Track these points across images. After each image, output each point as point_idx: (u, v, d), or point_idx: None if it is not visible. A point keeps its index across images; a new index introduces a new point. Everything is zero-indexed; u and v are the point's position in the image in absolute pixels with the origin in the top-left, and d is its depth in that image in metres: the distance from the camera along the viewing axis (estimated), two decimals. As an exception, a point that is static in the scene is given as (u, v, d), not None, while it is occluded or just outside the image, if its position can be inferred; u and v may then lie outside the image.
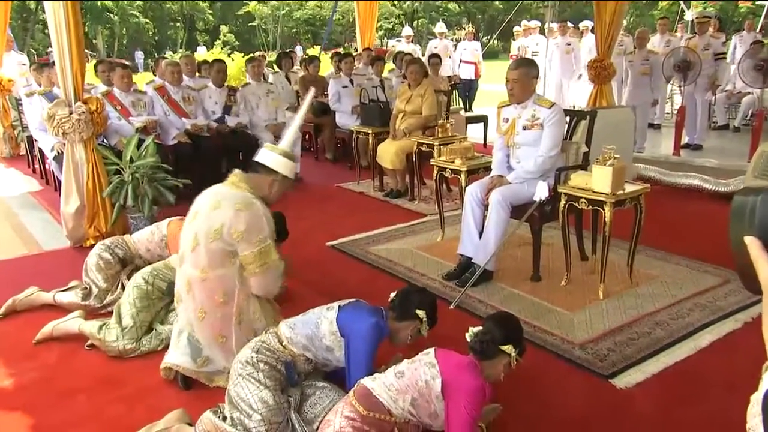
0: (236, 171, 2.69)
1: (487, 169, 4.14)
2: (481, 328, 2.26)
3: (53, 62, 4.79)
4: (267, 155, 2.69)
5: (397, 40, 18.76)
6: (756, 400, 1.43)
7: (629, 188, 3.42)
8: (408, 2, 36.64)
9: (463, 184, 4.14)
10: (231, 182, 2.65)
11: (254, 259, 2.54)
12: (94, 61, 9.14)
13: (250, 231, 2.51)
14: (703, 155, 7.04)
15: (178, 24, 37.56)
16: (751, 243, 1.43)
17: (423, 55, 10.78)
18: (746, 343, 2.98)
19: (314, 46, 23.35)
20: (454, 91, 8.13)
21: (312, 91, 3.40)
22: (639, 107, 7.46)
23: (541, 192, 3.40)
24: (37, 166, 7.21)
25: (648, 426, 2.43)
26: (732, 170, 5.76)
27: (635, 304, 3.40)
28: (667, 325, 3.16)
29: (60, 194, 4.70)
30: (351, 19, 24.20)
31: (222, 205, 2.54)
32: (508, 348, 2.19)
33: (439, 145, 4.88)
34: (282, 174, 2.67)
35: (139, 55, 28.49)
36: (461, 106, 10.08)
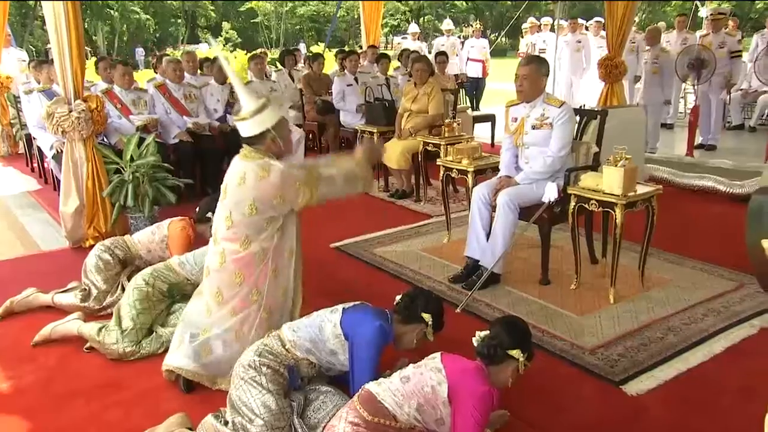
0: (244, 145, 2.69)
1: (495, 169, 4.08)
2: (488, 332, 2.22)
3: (52, 59, 4.73)
4: (246, 126, 2.65)
5: (403, 38, 18.72)
6: None
7: (641, 190, 3.35)
8: (414, -1, 36.63)
9: (470, 185, 4.08)
10: (244, 155, 2.66)
11: (310, 196, 2.60)
12: (93, 59, 9.12)
13: (286, 188, 2.56)
14: (717, 156, 6.94)
15: (180, 21, 37.59)
16: None
17: (430, 52, 10.72)
18: (762, 350, 2.93)
19: (318, 44, 23.30)
20: (461, 90, 8.05)
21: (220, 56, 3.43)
22: (650, 107, 7.38)
23: (551, 193, 3.34)
24: (35, 164, 7.18)
25: (661, 435, 2.36)
26: (747, 171, 5.66)
27: (647, 308, 3.34)
28: (679, 330, 3.10)
29: (59, 194, 4.66)
30: (356, 16, 24.16)
31: (247, 179, 2.57)
32: (515, 353, 2.15)
33: (446, 144, 4.81)
34: (271, 126, 2.63)
35: (140, 52, 28.54)
36: (468, 105, 10.01)
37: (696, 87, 7.41)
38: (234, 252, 2.60)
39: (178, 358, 2.66)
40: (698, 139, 7.57)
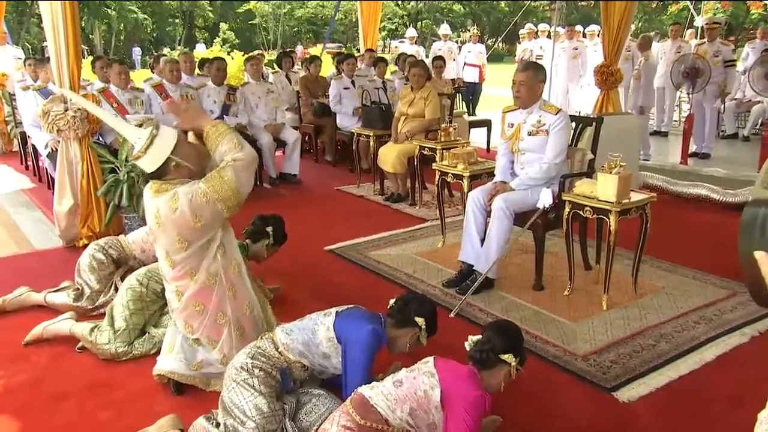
0: (150, 182, 2.55)
1: (490, 174, 4.08)
2: (480, 336, 2.22)
3: (48, 57, 4.72)
4: (145, 164, 2.49)
5: (400, 41, 18.74)
6: (764, 418, 1.37)
7: (635, 197, 3.36)
8: (412, 3, 36.66)
9: (466, 190, 4.08)
10: (154, 191, 2.51)
11: (222, 190, 2.40)
12: (90, 58, 9.10)
13: (199, 208, 2.40)
14: (710, 164, 6.99)
15: (177, 21, 37.51)
16: (762, 258, 1.37)
17: (427, 56, 10.73)
18: (753, 358, 2.95)
19: (316, 45, 23.31)
20: (457, 95, 8.07)
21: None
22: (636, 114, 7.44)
23: (545, 199, 3.35)
24: (30, 163, 7.16)
25: (652, 442, 2.37)
26: (740, 180, 5.70)
27: (639, 315, 3.35)
28: (671, 337, 3.11)
29: (53, 192, 4.65)
30: (353, 19, 24.18)
31: (161, 218, 2.45)
32: (508, 357, 2.16)
33: (442, 149, 4.82)
34: (170, 153, 2.48)
35: (137, 52, 28.43)
36: (465, 109, 10.02)
37: (691, 96, 7.45)
38: (186, 287, 2.56)
39: (170, 362, 2.64)
40: (692, 148, 7.61)
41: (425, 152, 5.16)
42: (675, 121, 9.91)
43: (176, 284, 2.58)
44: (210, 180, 2.43)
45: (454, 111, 6.94)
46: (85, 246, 3.67)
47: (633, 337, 3.11)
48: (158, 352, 2.79)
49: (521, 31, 12.52)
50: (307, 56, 9.70)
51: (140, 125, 5.34)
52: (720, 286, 3.73)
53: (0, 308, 3.39)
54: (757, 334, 3.15)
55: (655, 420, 2.48)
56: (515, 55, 13.74)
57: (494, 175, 3.94)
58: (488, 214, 3.67)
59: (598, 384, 2.70)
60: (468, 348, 2.21)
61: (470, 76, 11.05)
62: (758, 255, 1.30)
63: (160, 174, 2.51)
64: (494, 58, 18.65)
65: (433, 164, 4.49)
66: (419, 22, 35.96)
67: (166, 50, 23.91)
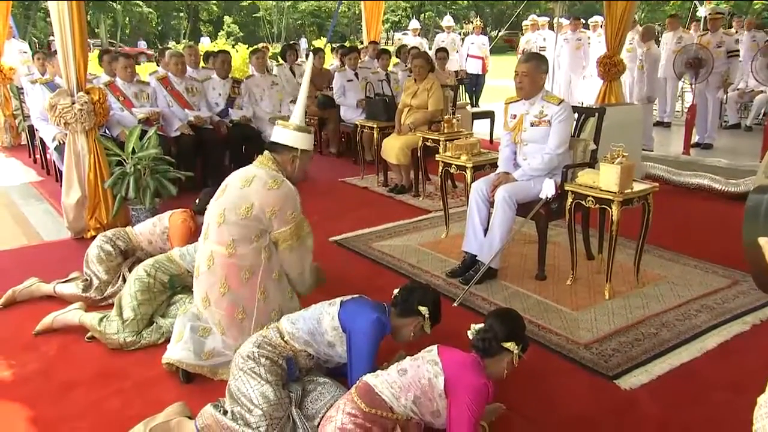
0: (265, 152, 2.73)
1: (494, 165, 4.09)
2: (483, 325, 2.24)
3: (55, 51, 4.75)
4: (282, 133, 2.72)
5: (403, 33, 18.69)
6: (763, 401, 1.39)
7: (637, 187, 3.38)
8: (415, -5, 36.51)
9: (469, 181, 4.09)
10: (260, 162, 2.69)
11: (290, 235, 2.63)
12: (96, 51, 9.11)
13: (284, 208, 2.59)
14: (713, 155, 6.98)
15: (182, 14, 37.47)
16: (766, 245, 1.39)
17: (430, 48, 10.72)
18: (754, 346, 2.96)
19: (320, 38, 23.26)
20: (460, 86, 8.07)
21: (311, 57, 3.37)
22: (640, 104, 7.42)
23: (548, 190, 3.37)
24: (38, 156, 7.21)
25: (652, 428, 2.40)
26: (743, 170, 5.70)
27: (641, 304, 3.37)
28: (673, 326, 3.13)
29: (61, 185, 4.68)
30: (357, 12, 24.09)
31: (253, 183, 2.59)
32: (510, 345, 2.18)
33: (445, 140, 4.84)
34: (300, 148, 2.71)
35: (142, 45, 28.44)
36: (467, 101, 10.02)
37: (693, 86, 7.43)
38: (221, 255, 2.60)
39: (179, 352, 2.67)
40: (695, 138, 7.60)
41: (428, 144, 5.18)
42: (677, 111, 9.88)
43: (212, 247, 2.62)
44: (305, 225, 2.70)
45: (458, 102, 6.94)
46: (93, 238, 3.71)
47: (635, 325, 3.14)
48: (166, 342, 2.84)
49: (524, 23, 12.47)
50: (312, 48, 9.69)
51: (146, 118, 5.43)
52: (721, 275, 3.75)
53: (10, 299, 3.44)
54: (758, 323, 3.17)
55: (656, 407, 2.50)
56: (515, 47, 13.69)
57: (497, 166, 3.95)
58: (491, 204, 3.69)
59: (600, 372, 2.73)
60: (471, 336, 2.24)
61: (473, 67, 11.04)
62: (762, 241, 1.31)
63: (278, 149, 2.70)
64: (497, 49, 18.56)
65: (437, 155, 4.50)
66: (422, 14, 35.83)
67: (171, 44, 23.90)
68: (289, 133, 2.71)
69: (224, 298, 2.62)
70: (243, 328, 2.63)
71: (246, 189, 2.59)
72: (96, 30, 31.67)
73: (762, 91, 8.55)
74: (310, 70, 3.01)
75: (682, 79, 8.09)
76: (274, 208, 2.56)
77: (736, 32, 9.16)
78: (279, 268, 2.70)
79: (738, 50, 8.08)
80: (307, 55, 9.12)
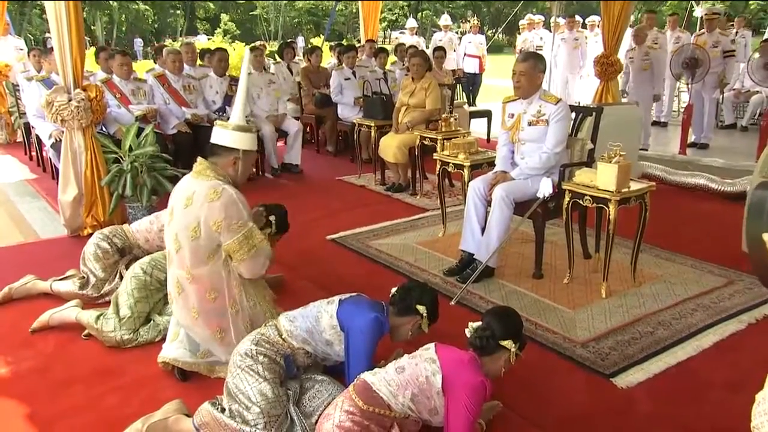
0: (199, 159, 2.62)
1: (491, 164, 4.10)
2: (480, 323, 2.25)
3: (52, 48, 4.73)
4: (220, 134, 2.61)
5: (400, 32, 18.68)
6: (761, 398, 1.41)
7: (634, 186, 3.39)
8: (412, -6, 36.49)
9: (466, 180, 4.10)
10: (197, 172, 2.58)
11: (240, 245, 2.51)
12: (93, 48, 9.09)
13: (229, 218, 2.48)
14: (709, 154, 7.01)
15: (178, 12, 37.37)
16: None
17: (427, 47, 10.71)
18: (749, 345, 2.98)
19: (318, 37, 23.25)
20: (457, 85, 8.08)
21: (247, 53, 3.25)
22: (641, 103, 7.42)
23: (545, 189, 3.38)
24: (33, 153, 7.18)
25: (649, 426, 2.41)
26: (739, 170, 5.72)
27: (638, 303, 3.38)
28: (669, 325, 3.14)
29: (57, 182, 4.67)
30: (354, 10, 24.05)
31: (194, 199, 2.50)
32: (507, 343, 2.19)
33: (443, 139, 4.84)
34: (242, 149, 2.61)
35: (138, 43, 28.36)
36: (465, 100, 10.03)
37: (690, 86, 7.45)
38: (185, 280, 2.57)
39: (175, 350, 2.67)
40: (691, 138, 7.62)
41: (426, 142, 5.18)
42: (674, 111, 9.91)
43: (177, 272, 2.60)
44: (256, 229, 2.57)
45: (455, 101, 6.95)
46: (90, 235, 3.69)
47: (632, 324, 3.15)
48: (163, 340, 2.83)
49: (521, 22, 12.49)
50: (310, 46, 9.69)
51: (143, 116, 5.41)
52: (717, 274, 3.76)
53: (6, 296, 3.43)
54: (753, 321, 3.18)
55: (653, 405, 2.52)
56: (515, 46, 13.69)
57: (495, 165, 3.96)
58: (489, 203, 3.69)
59: (597, 370, 2.73)
60: (468, 334, 2.24)
61: (470, 66, 11.04)
62: (766, 237, 1.31)
63: (218, 151, 2.59)
64: (494, 49, 18.59)
65: (434, 154, 4.51)
66: (419, 13, 35.81)
67: (167, 41, 23.83)
68: (229, 134, 2.59)
69: (199, 320, 2.60)
70: (227, 342, 2.61)
71: (189, 208, 2.49)
72: (92, 28, 31.55)
73: (758, 92, 8.58)
74: (246, 68, 2.82)
75: (679, 80, 8.10)
76: (217, 219, 2.45)
77: (737, 33, 9.18)
78: (239, 281, 2.62)
79: (734, 50, 8.10)
80: (304, 53, 9.09)
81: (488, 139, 7.93)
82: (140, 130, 4.66)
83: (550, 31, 10.80)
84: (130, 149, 4.41)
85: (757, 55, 7.22)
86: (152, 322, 3.06)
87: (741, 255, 3.86)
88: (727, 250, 4.04)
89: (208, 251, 2.52)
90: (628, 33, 7.49)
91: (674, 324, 3.15)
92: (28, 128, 6.99)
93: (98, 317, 3.00)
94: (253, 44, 9.14)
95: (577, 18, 10.78)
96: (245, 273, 2.60)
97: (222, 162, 2.61)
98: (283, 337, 2.40)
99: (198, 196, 2.49)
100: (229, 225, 2.48)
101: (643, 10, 9.62)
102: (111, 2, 31.99)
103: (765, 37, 9.36)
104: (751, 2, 21.87)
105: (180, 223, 2.53)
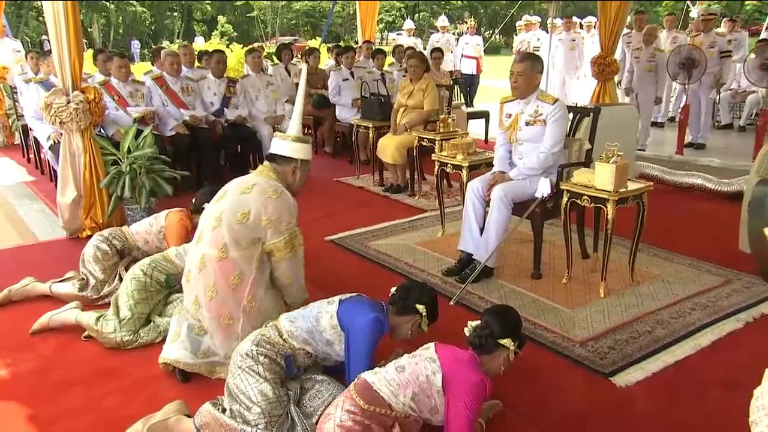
0: (265, 162, 2.76)
1: (489, 164, 4.12)
2: (479, 322, 2.25)
3: (50, 50, 4.74)
4: (281, 145, 2.75)
5: (398, 34, 18.70)
6: (759, 393, 1.42)
7: (632, 186, 3.40)
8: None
9: (465, 180, 4.11)
10: (260, 171, 2.72)
11: (285, 245, 2.62)
12: (90, 51, 9.08)
13: (281, 218, 2.59)
14: (706, 154, 7.05)
15: (176, 14, 37.35)
16: None
17: (425, 48, 10.73)
18: (746, 343, 2.99)
19: (315, 38, 23.26)
20: (455, 86, 8.10)
21: (305, 67, 3.37)
22: (642, 104, 7.44)
23: (544, 189, 3.39)
24: (31, 155, 7.17)
25: (647, 424, 2.42)
26: (735, 170, 5.76)
27: (636, 302, 3.39)
28: (667, 324, 3.15)
29: (55, 184, 4.67)
30: (351, 12, 24.10)
31: (253, 191, 2.60)
32: (506, 342, 2.20)
33: (441, 140, 4.86)
34: (300, 159, 2.75)
35: (135, 45, 28.35)
36: (462, 101, 10.04)
37: (686, 86, 7.47)
38: (212, 259, 2.59)
39: (176, 351, 2.68)
40: (688, 138, 7.64)
41: (424, 143, 5.20)
42: (671, 111, 9.92)
43: (205, 250, 2.62)
44: (299, 236, 2.69)
45: (453, 102, 6.96)
46: (89, 237, 3.69)
47: (630, 323, 3.16)
48: (163, 341, 2.83)
49: (518, 23, 12.51)
50: (306, 48, 9.70)
51: (142, 117, 5.42)
52: (715, 274, 3.78)
53: (6, 298, 3.43)
54: (751, 320, 3.20)
55: (651, 404, 2.53)
56: (512, 47, 13.72)
57: (493, 166, 3.97)
58: (487, 203, 3.71)
59: (596, 369, 2.75)
60: (468, 333, 2.25)
61: (468, 67, 11.05)
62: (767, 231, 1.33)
63: (278, 160, 2.74)
64: (491, 50, 18.62)
65: (433, 155, 4.52)
66: (417, 14, 35.85)
67: (165, 43, 23.85)
68: (288, 144, 2.75)
69: (212, 302, 2.61)
70: (230, 333, 2.63)
71: (245, 195, 2.60)
72: (89, 30, 31.52)
73: (754, 91, 8.60)
74: (304, 80, 2.99)
75: (676, 79, 8.12)
76: (271, 217, 2.57)
77: (730, 32, 9.19)
78: (269, 282, 2.70)
79: (730, 51, 8.13)
80: (302, 55, 9.10)
81: (486, 140, 7.94)
82: (139, 132, 4.67)
83: (547, 32, 10.81)
84: (129, 151, 4.42)
85: (753, 55, 7.24)
86: (152, 323, 3.07)
87: (738, 254, 3.88)
88: (724, 250, 4.06)
89: (248, 240, 2.58)
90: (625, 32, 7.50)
91: (672, 323, 3.16)
92: (25, 130, 6.99)
93: (98, 319, 3.00)
94: (251, 45, 9.13)
95: (575, 19, 10.81)
96: (286, 271, 2.69)
97: (281, 169, 2.73)
98: (283, 337, 2.41)
99: (258, 189, 2.61)
100: (278, 225, 2.59)
101: (634, 11, 9.60)
102: (108, 4, 31.95)
103: (761, 36, 9.37)
104: (747, 3, 21.94)
105: (229, 205, 2.61)
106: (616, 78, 6.80)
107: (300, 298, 2.83)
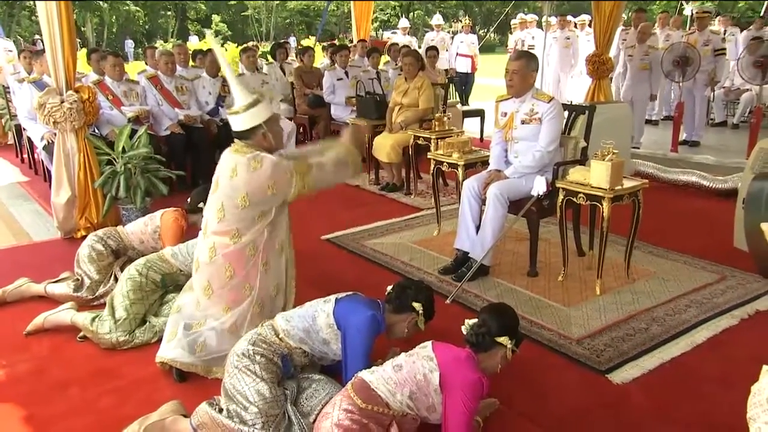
0: (235, 140, 2.71)
1: (485, 163, 4.11)
2: (476, 320, 2.25)
3: (42, 49, 4.71)
4: (237, 120, 2.67)
5: (392, 32, 18.69)
6: (756, 390, 1.42)
7: (627, 184, 3.41)
8: (404, -6, 36.49)
9: (461, 179, 4.11)
10: (235, 150, 2.68)
11: (302, 184, 2.62)
12: (84, 50, 9.04)
13: (279, 179, 2.58)
14: (700, 152, 7.06)
15: (169, 13, 37.22)
16: None
17: (420, 47, 10.72)
18: (742, 340, 3.01)
19: (309, 37, 23.22)
20: (450, 85, 8.09)
21: (210, 37, 3.36)
22: (636, 102, 7.45)
23: (539, 187, 3.39)
24: (25, 155, 7.14)
25: (644, 421, 2.43)
26: (730, 167, 5.78)
27: (632, 300, 3.40)
28: (663, 321, 3.16)
29: (50, 184, 4.65)
30: (346, 10, 24.05)
31: (239, 172, 2.58)
32: (503, 340, 2.20)
33: (436, 138, 4.85)
34: (263, 122, 2.66)
35: (129, 44, 28.26)
36: (457, 99, 10.05)
37: (681, 84, 7.49)
38: (224, 245, 2.61)
39: (172, 350, 2.67)
40: (682, 135, 7.67)
41: (420, 142, 5.19)
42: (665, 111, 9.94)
43: (214, 239, 2.63)
44: (300, 165, 2.64)
45: (448, 101, 6.96)
46: (83, 237, 3.68)
47: (626, 320, 3.17)
48: (159, 341, 2.82)
49: (513, 21, 12.53)
50: (301, 47, 9.69)
51: (136, 117, 5.40)
52: (710, 271, 3.79)
53: (0, 299, 3.41)
54: (746, 317, 3.21)
55: (647, 400, 2.54)
56: (507, 46, 13.74)
57: (488, 164, 3.97)
58: (483, 202, 3.71)
59: (593, 366, 2.76)
60: (464, 332, 2.25)
61: (462, 66, 11.06)
62: (765, 227, 1.33)
63: (244, 135, 2.66)
64: (486, 48, 18.64)
65: (428, 153, 4.52)
66: (411, 13, 35.81)
67: (158, 42, 23.77)
68: (243, 117, 2.64)
69: (231, 281, 2.64)
70: (242, 312, 2.65)
71: (235, 179, 2.59)
72: (83, 29, 31.38)
73: (748, 89, 8.63)
74: (223, 57, 2.91)
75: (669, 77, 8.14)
76: (270, 183, 2.56)
77: (725, 31, 9.23)
78: (280, 241, 2.72)
79: (725, 49, 8.16)
80: (296, 53, 9.07)
81: (482, 138, 7.94)
82: (133, 132, 4.66)
83: (542, 30, 10.83)
84: (124, 151, 4.41)
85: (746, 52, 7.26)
86: (148, 323, 3.06)
87: (733, 251, 3.89)
88: (719, 247, 4.08)
89: (256, 215, 2.61)
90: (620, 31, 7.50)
91: (668, 320, 3.17)
92: (19, 130, 6.95)
93: (94, 319, 2.99)
94: (246, 45, 9.12)
95: (569, 18, 10.82)
96: (325, 179, 2.72)
97: (254, 141, 2.67)
98: (280, 336, 2.41)
99: (241, 168, 2.58)
100: (283, 182, 2.59)
101: (633, 9, 9.62)
102: (101, 3, 31.80)
103: (753, 34, 9.40)
104: (739, 1, 22.03)
105: (226, 193, 2.61)
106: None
107: (355, 164, 2.84)
